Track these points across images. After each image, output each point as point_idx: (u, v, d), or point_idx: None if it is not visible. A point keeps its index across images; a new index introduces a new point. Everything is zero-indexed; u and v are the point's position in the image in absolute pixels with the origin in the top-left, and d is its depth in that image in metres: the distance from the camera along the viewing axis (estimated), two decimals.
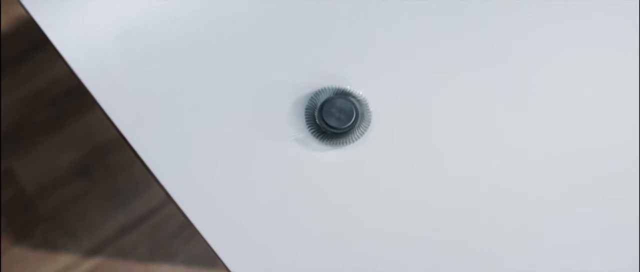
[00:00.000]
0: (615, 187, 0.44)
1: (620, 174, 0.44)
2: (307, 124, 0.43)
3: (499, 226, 0.43)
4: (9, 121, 1.02)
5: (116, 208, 1.01)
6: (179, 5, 0.44)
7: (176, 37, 0.44)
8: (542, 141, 0.44)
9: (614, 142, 0.44)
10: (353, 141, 0.43)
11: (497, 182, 0.43)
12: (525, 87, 0.44)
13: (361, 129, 0.43)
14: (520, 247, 0.43)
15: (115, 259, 1.00)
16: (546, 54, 0.45)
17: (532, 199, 0.43)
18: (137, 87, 0.43)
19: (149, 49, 0.43)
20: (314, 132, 0.43)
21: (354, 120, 0.42)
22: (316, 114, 0.42)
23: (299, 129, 0.43)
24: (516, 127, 0.44)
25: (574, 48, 0.45)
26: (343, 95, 0.43)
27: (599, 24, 0.45)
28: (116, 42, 0.43)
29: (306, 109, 0.43)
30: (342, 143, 0.43)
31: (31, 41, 1.01)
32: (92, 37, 0.43)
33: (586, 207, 0.43)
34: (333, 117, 0.42)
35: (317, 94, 0.43)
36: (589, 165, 0.44)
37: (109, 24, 0.43)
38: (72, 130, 1.02)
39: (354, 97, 0.43)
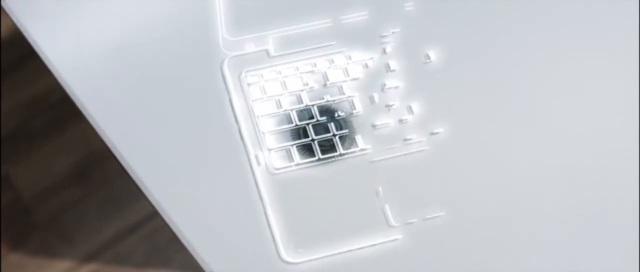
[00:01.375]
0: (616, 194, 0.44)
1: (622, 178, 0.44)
2: (296, 140, 0.43)
3: (487, 239, 0.44)
4: (6, 127, 1.03)
5: (113, 214, 1.01)
6: (166, 23, 0.44)
7: (164, 54, 0.44)
8: (532, 155, 0.44)
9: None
10: (340, 157, 0.43)
11: (486, 196, 0.44)
12: (514, 99, 0.45)
13: (348, 145, 0.43)
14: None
15: (112, 264, 1.00)
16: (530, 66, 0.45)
17: (523, 211, 0.44)
18: (125, 103, 0.43)
19: (136, 66, 0.44)
20: (302, 148, 0.43)
21: (341, 137, 0.43)
22: (304, 130, 0.43)
23: (287, 146, 0.43)
24: (504, 145, 0.44)
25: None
26: (329, 111, 0.43)
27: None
28: (107, 59, 0.44)
29: (294, 125, 0.43)
30: (330, 159, 0.43)
31: (28, 48, 1.01)
32: (83, 53, 0.44)
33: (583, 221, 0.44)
34: (321, 134, 0.42)
35: (305, 110, 0.44)
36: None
37: (100, 41, 0.44)
38: (69, 137, 1.03)
39: (340, 112, 0.44)
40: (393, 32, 0.46)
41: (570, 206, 0.44)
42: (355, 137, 0.43)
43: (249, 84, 0.44)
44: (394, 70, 0.45)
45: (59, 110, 1.03)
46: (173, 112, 0.43)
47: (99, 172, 1.02)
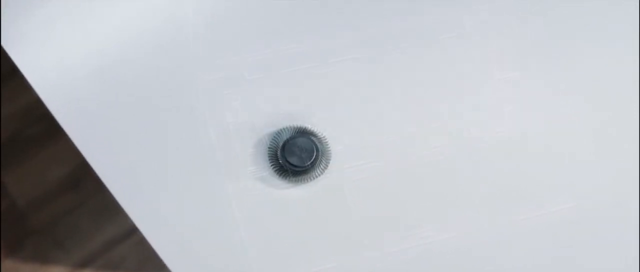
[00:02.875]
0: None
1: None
2: (270, 162, 0.45)
3: (459, 266, 0.45)
4: (1, 135, 1.04)
5: (106, 221, 1.03)
6: (149, 44, 0.46)
7: (147, 75, 0.45)
8: (501, 181, 0.45)
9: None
10: (314, 178, 0.45)
11: (458, 220, 0.45)
12: (486, 128, 0.46)
13: (322, 166, 0.45)
14: None
15: (105, 270, 1.02)
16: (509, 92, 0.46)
17: (496, 241, 0.45)
18: (107, 122, 0.45)
19: (120, 86, 0.45)
20: (276, 170, 0.45)
21: (315, 159, 0.44)
22: (278, 153, 0.44)
23: (262, 168, 0.45)
24: (474, 165, 0.46)
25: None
26: (304, 134, 0.45)
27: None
28: (89, 79, 0.45)
29: (269, 148, 0.45)
30: (304, 180, 0.45)
31: None
32: (65, 72, 0.45)
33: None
34: (295, 156, 0.44)
35: (279, 133, 0.45)
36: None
37: (83, 60, 0.45)
38: (62, 145, 1.05)
39: (315, 135, 0.45)
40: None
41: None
42: (329, 158, 0.45)
43: (224, 106, 0.45)
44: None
45: (53, 119, 1.04)
46: (150, 131, 0.45)
47: (92, 180, 1.03)
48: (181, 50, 0.46)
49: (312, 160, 0.44)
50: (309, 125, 0.45)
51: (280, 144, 0.44)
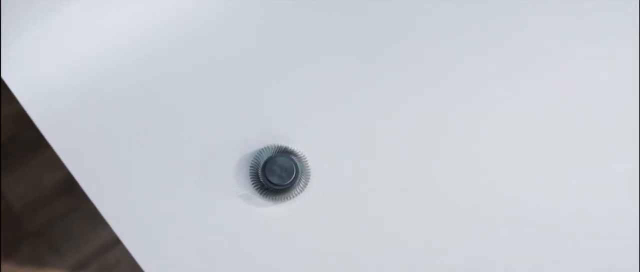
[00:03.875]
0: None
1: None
2: (252, 180, 0.46)
3: None
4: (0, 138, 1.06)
5: (100, 225, 1.04)
6: (135, 60, 0.47)
7: (132, 91, 0.47)
8: (473, 195, 0.47)
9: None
10: (294, 196, 0.46)
11: (434, 238, 0.47)
12: (458, 141, 0.47)
13: (301, 185, 0.46)
14: None
15: None
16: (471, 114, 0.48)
17: (466, 256, 0.46)
18: (93, 139, 0.46)
19: (105, 104, 0.46)
20: (258, 188, 0.46)
21: (295, 177, 0.45)
22: (259, 172, 0.45)
23: (243, 186, 0.46)
24: (448, 183, 0.47)
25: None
26: (284, 153, 0.46)
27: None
28: (74, 94, 0.46)
29: (250, 167, 0.46)
30: (284, 198, 0.46)
31: None
32: (51, 90, 0.46)
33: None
34: (275, 175, 0.45)
35: (260, 152, 0.46)
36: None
37: (69, 74, 0.47)
38: None
39: (295, 155, 0.46)
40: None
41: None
42: (309, 177, 0.46)
43: (208, 124, 0.47)
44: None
45: None
46: (136, 147, 0.46)
47: None
48: (165, 67, 0.47)
49: (291, 179, 0.45)
50: (290, 144, 0.46)
51: (261, 163, 0.45)
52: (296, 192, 0.46)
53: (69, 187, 1.05)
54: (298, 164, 0.45)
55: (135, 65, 0.47)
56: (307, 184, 0.46)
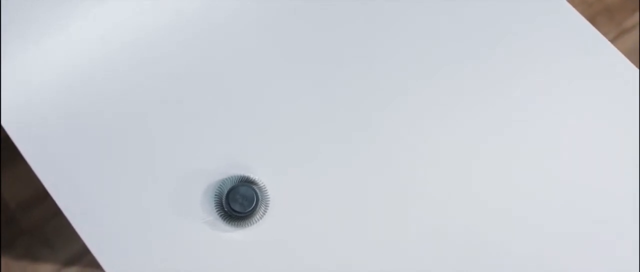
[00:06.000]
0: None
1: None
2: (216, 208, 0.51)
3: None
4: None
5: None
6: (116, 86, 0.51)
7: (105, 112, 0.51)
8: (427, 222, 0.51)
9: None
10: (255, 223, 0.51)
11: (397, 259, 0.51)
12: (415, 170, 0.52)
13: (261, 212, 0.51)
14: None
15: (91, 267, 1.09)
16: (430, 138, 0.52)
17: None
18: (72, 161, 0.51)
19: (86, 129, 0.51)
20: (221, 215, 0.51)
21: (255, 205, 0.50)
22: (223, 200, 0.50)
23: (208, 213, 0.51)
24: (415, 203, 0.52)
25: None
26: (247, 183, 0.50)
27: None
28: (52, 111, 0.51)
29: (215, 195, 0.51)
30: (245, 225, 0.51)
31: None
32: (29, 102, 0.51)
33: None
34: (237, 203, 0.50)
35: (224, 181, 0.51)
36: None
37: (47, 93, 0.51)
38: None
39: (255, 184, 0.51)
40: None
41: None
42: (268, 205, 0.51)
43: (179, 152, 0.51)
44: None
45: None
46: (109, 168, 0.51)
47: None
48: (135, 93, 0.52)
49: (252, 207, 0.50)
50: (252, 174, 0.51)
51: (225, 192, 0.50)
52: (257, 219, 0.50)
53: None
54: (258, 193, 0.50)
55: (113, 87, 0.52)
56: (266, 211, 0.51)
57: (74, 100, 0.52)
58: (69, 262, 1.09)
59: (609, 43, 0.55)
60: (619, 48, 1.17)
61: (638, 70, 0.54)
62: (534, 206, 0.52)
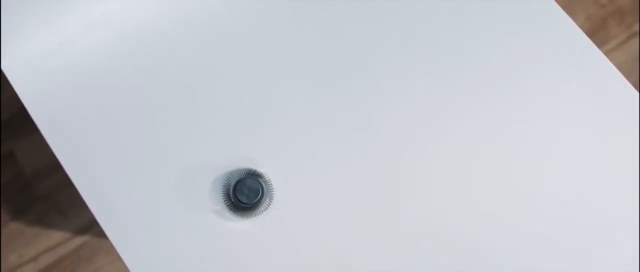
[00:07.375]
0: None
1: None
2: (223, 198, 0.54)
3: None
4: (10, 111, 1.14)
5: None
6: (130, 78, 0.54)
7: (120, 103, 0.54)
8: (421, 221, 0.54)
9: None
10: (259, 214, 0.54)
11: (393, 256, 0.54)
12: (415, 169, 0.55)
13: (266, 204, 0.53)
14: None
15: (101, 237, 1.13)
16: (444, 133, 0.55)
17: None
18: (87, 137, 0.54)
19: (104, 108, 0.54)
20: (228, 205, 0.54)
21: (260, 197, 0.53)
22: (230, 191, 0.53)
23: (216, 202, 0.54)
24: (412, 203, 0.54)
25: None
26: (253, 175, 0.53)
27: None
28: (74, 94, 0.54)
29: (223, 186, 0.54)
30: (251, 215, 0.54)
31: None
32: (49, 84, 0.54)
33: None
34: (244, 195, 0.53)
35: (231, 173, 0.54)
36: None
37: (67, 74, 0.54)
38: None
39: (261, 177, 0.54)
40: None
41: None
42: (273, 197, 0.54)
43: (187, 144, 0.54)
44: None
45: None
46: (124, 153, 0.54)
47: None
48: (151, 87, 0.54)
49: (257, 199, 0.53)
50: (258, 167, 0.54)
51: (232, 183, 0.53)
52: (261, 210, 0.53)
53: None
54: (264, 186, 0.53)
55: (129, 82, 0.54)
56: (271, 203, 0.54)
57: (96, 80, 0.55)
58: (81, 230, 1.13)
59: (602, 54, 0.57)
60: (626, 52, 1.18)
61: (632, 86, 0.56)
62: (533, 207, 0.54)
